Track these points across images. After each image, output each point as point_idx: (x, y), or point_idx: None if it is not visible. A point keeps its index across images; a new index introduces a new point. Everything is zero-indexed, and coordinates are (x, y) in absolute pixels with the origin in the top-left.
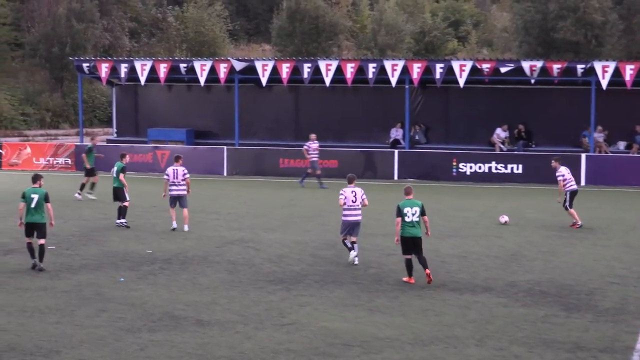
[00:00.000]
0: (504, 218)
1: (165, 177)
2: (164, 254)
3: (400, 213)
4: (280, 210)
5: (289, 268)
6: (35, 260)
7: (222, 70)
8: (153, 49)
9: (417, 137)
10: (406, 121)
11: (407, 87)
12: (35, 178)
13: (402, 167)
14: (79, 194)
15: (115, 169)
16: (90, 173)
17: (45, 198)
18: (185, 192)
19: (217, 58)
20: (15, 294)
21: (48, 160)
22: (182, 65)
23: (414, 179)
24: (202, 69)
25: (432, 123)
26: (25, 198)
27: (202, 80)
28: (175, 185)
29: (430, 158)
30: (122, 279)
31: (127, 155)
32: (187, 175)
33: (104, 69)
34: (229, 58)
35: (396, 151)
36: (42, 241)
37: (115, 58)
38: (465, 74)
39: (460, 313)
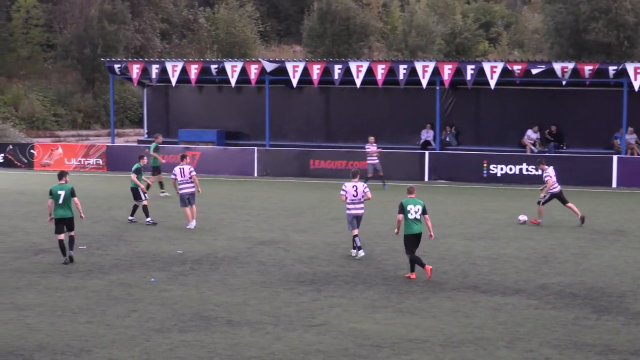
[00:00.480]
0: (523, 217)
1: (173, 176)
2: (195, 255)
3: (403, 210)
4: (311, 211)
5: (320, 269)
6: (66, 258)
7: (253, 71)
8: (184, 50)
9: (447, 139)
10: (437, 123)
11: (437, 88)
12: (61, 175)
13: (432, 168)
14: (162, 192)
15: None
16: (157, 171)
17: (72, 193)
18: (194, 190)
19: (247, 59)
20: (46, 293)
21: (79, 161)
22: (213, 67)
23: (445, 181)
24: (232, 70)
25: (462, 124)
26: (53, 195)
27: (232, 81)
28: (184, 183)
29: (461, 159)
30: (152, 280)
31: (145, 157)
32: (194, 173)
33: (135, 70)
34: (259, 59)
35: (427, 152)
36: (71, 233)
37: (146, 59)
38: (496, 76)
39: (491, 315)
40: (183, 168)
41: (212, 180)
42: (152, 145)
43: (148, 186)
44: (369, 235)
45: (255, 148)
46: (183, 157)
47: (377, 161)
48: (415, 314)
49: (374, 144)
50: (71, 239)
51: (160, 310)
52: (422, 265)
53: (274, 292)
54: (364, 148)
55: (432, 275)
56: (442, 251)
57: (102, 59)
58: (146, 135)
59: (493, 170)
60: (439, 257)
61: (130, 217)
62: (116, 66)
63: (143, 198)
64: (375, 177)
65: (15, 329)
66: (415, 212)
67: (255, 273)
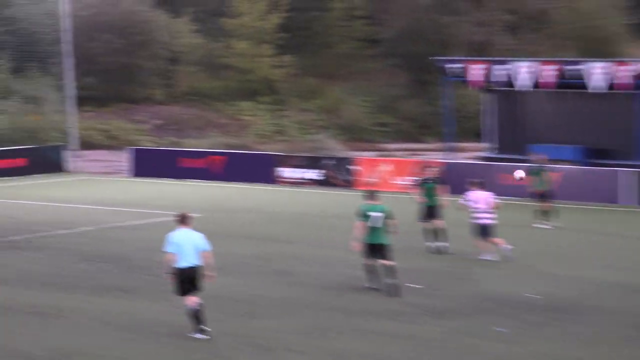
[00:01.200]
0: (519, 173)
1: (466, 202)
2: (556, 300)
3: None
4: None
5: None
6: (374, 284)
7: (625, 74)
8: (532, 48)
9: None
10: None
11: None
12: (373, 194)
13: None
14: (542, 222)
15: None
16: (543, 197)
17: (389, 216)
18: (493, 222)
19: (616, 59)
20: (368, 339)
21: (412, 180)
22: (572, 67)
23: None
24: (597, 72)
25: None
26: (364, 216)
27: (597, 86)
28: (482, 212)
29: None
30: (501, 329)
31: (429, 169)
32: (495, 201)
33: (475, 71)
34: (632, 60)
35: None
36: (391, 263)
37: (490, 58)
38: None
39: None
40: (481, 195)
41: (575, 209)
42: (535, 166)
43: (543, 214)
44: None
45: (626, 169)
46: (477, 184)
47: None
48: None
49: None
50: (391, 269)
51: None
52: None
53: None
54: None
55: None
56: None
57: (435, 58)
58: (493, 151)
59: None
60: None
61: (440, 244)
62: (452, 66)
63: (420, 219)
64: None
65: None
66: None
67: (630, 327)
